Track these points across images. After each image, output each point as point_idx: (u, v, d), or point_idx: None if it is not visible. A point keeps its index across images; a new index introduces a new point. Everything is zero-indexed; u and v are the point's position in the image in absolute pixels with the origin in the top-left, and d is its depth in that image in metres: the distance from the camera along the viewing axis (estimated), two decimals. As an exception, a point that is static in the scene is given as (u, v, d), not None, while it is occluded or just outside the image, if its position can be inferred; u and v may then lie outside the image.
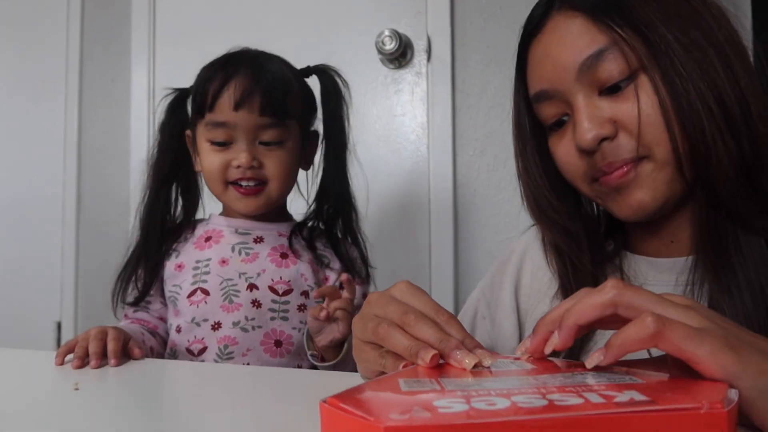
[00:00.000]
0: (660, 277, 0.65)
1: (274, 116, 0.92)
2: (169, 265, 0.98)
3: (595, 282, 0.65)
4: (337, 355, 0.87)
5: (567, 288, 0.68)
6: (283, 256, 0.96)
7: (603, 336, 0.63)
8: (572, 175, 0.65)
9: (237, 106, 0.90)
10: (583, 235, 0.68)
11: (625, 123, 0.59)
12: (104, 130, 1.86)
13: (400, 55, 1.59)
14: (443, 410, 0.30)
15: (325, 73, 1.02)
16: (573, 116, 0.62)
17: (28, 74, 1.91)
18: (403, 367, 0.46)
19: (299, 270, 0.96)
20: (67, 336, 1.83)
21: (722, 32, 0.59)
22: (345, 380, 0.62)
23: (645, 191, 0.60)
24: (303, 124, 0.99)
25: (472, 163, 1.55)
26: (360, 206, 1.06)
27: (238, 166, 0.92)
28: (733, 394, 0.34)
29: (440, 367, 0.44)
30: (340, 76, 1.02)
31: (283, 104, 0.92)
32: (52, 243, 1.84)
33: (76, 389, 0.57)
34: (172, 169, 1.01)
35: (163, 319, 1.00)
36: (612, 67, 0.59)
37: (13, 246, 1.89)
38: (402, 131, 1.62)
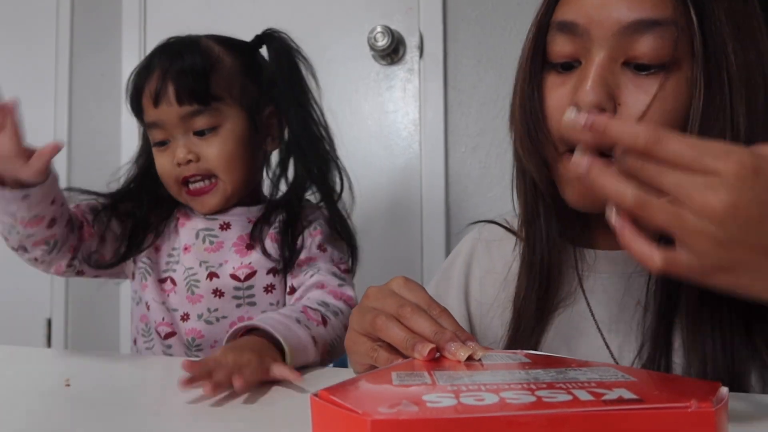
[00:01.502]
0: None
1: (194, 102, 0.85)
2: (149, 239, 0.92)
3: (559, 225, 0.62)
4: None
5: (531, 223, 0.64)
6: (249, 247, 0.90)
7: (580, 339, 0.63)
8: (553, 130, 0.57)
9: (156, 103, 0.86)
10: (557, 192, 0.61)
11: (626, 108, 0.53)
12: (94, 126, 1.85)
13: (392, 52, 1.58)
14: (431, 405, 0.31)
15: (271, 37, 0.94)
16: (584, 69, 0.54)
17: (18, 70, 1.89)
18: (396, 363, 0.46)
19: (263, 247, 0.89)
20: (57, 332, 1.82)
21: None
22: (337, 375, 0.62)
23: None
24: (246, 104, 0.90)
25: (464, 159, 1.56)
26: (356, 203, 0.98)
27: (178, 164, 0.87)
28: (723, 392, 0.34)
29: (434, 360, 0.45)
30: (288, 37, 0.94)
31: (201, 87, 0.85)
32: (42, 239, 1.82)
33: (67, 385, 0.57)
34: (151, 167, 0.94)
35: (78, 221, 0.89)
36: (656, 46, 0.52)
37: (3, 242, 1.88)
38: (394, 128, 1.62)
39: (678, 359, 0.57)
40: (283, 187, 0.94)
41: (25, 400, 0.54)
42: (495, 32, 1.51)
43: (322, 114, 0.95)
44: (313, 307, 0.80)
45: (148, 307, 0.92)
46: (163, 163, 0.89)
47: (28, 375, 0.64)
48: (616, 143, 0.41)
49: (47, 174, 0.76)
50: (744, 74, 0.51)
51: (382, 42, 1.53)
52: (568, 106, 0.53)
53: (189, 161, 0.86)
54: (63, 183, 1.98)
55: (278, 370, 0.59)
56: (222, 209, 0.91)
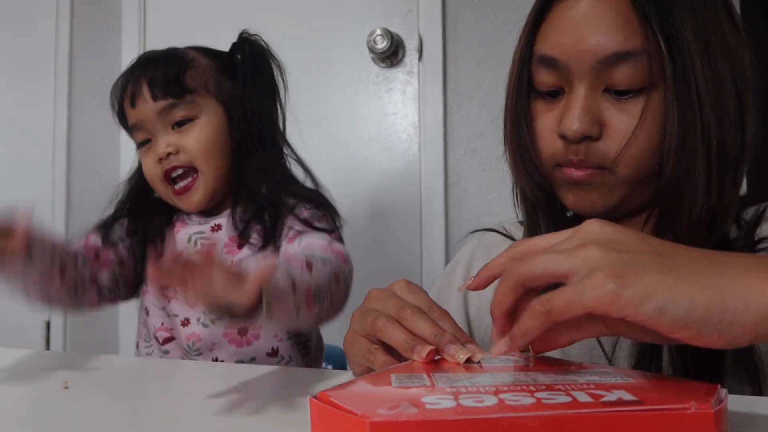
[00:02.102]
0: None
1: (168, 96, 0.87)
2: (152, 246, 0.93)
3: None
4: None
5: (533, 230, 0.67)
6: (240, 246, 0.90)
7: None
8: (542, 150, 0.62)
9: (132, 103, 0.88)
10: (556, 198, 0.65)
11: (612, 132, 0.57)
12: (94, 128, 1.85)
13: (392, 54, 1.59)
14: (431, 406, 0.31)
15: (245, 40, 0.96)
16: (568, 99, 0.59)
17: (17, 73, 1.89)
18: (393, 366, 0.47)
19: (250, 243, 0.89)
20: (56, 335, 1.81)
21: (745, 69, 0.57)
22: (337, 377, 0.62)
23: (600, 196, 0.59)
24: (222, 98, 0.91)
25: (464, 161, 1.56)
26: (342, 204, 0.96)
27: (160, 160, 0.88)
28: (723, 393, 0.34)
29: (433, 362, 0.45)
30: (261, 39, 0.96)
31: (175, 80, 0.87)
32: (41, 241, 1.82)
33: (66, 388, 0.57)
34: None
35: (91, 253, 0.90)
36: (632, 74, 0.56)
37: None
38: (393, 130, 1.62)
39: (668, 355, 0.58)
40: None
41: (24, 402, 0.54)
42: (494, 35, 1.52)
43: (283, 116, 0.97)
44: (297, 256, 0.75)
45: (147, 313, 0.93)
46: (147, 163, 0.90)
47: (26, 377, 0.64)
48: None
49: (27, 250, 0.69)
50: (714, 88, 0.55)
51: (382, 44, 1.53)
52: (555, 130, 0.59)
53: (169, 154, 0.87)
54: (63, 186, 1.96)
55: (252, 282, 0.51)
56: (209, 206, 0.91)
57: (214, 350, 0.89)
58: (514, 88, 0.64)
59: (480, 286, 0.47)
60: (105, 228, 0.92)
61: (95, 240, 0.91)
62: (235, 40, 0.97)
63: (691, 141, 0.55)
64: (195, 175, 0.89)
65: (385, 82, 1.63)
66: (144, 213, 0.94)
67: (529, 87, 0.63)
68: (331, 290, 0.75)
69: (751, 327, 0.36)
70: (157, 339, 0.91)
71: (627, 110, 0.57)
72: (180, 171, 0.88)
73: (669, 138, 0.55)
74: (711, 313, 0.35)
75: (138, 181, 0.96)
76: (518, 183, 0.66)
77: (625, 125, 0.57)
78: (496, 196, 1.52)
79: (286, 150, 0.96)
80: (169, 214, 0.95)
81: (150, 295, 0.92)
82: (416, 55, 1.59)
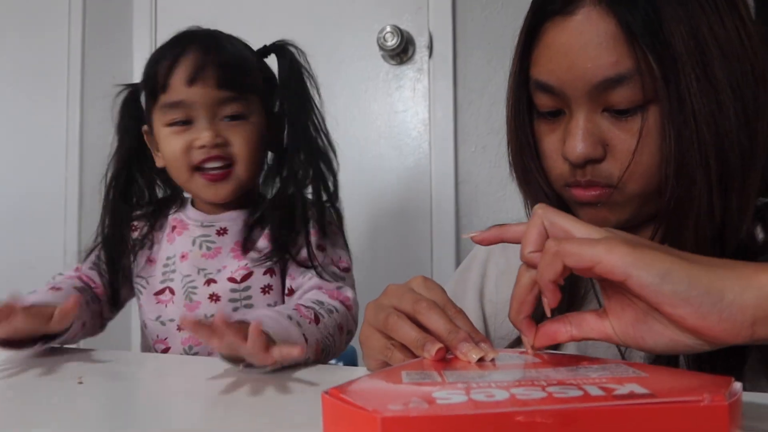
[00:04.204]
0: None
1: (232, 89, 0.86)
2: (142, 255, 0.93)
3: None
4: None
5: None
6: (246, 250, 0.89)
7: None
8: (550, 171, 0.62)
9: (191, 81, 0.84)
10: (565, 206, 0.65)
11: (615, 151, 0.57)
12: (106, 127, 1.86)
13: (402, 51, 1.58)
14: (442, 402, 0.31)
15: (283, 48, 0.95)
16: (569, 123, 0.59)
17: (30, 72, 1.91)
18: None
19: (257, 249, 0.89)
20: (70, 333, 1.83)
21: (755, 65, 0.54)
22: (348, 373, 0.62)
23: (612, 213, 0.59)
24: (265, 103, 0.92)
25: (474, 159, 1.55)
26: (353, 202, 0.98)
27: (202, 146, 0.85)
28: (737, 387, 0.33)
29: (445, 360, 0.45)
30: (299, 49, 0.95)
31: (241, 77, 0.88)
32: (54, 239, 1.84)
33: (80, 383, 0.57)
34: (132, 168, 0.96)
35: (87, 287, 0.93)
36: (627, 95, 0.55)
37: (16, 244, 1.90)
38: (403, 128, 1.62)
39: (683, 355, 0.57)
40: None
41: (39, 398, 0.55)
42: (505, 31, 1.51)
43: (324, 121, 0.96)
44: (307, 305, 0.78)
45: (145, 325, 0.93)
46: (177, 145, 0.86)
47: (41, 372, 0.64)
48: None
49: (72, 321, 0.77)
50: (711, 99, 0.53)
51: (392, 42, 1.53)
52: (560, 150, 0.59)
53: (216, 144, 0.85)
54: (75, 185, 1.97)
55: (278, 350, 0.58)
56: (229, 200, 0.90)
57: (214, 353, 0.89)
58: (512, 113, 0.64)
59: (484, 242, 0.48)
60: (89, 253, 0.94)
61: (86, 270, 0.93)
62: (233, 39, 0.96)
63: (689, 162, 0.54)
64: (230, 169, 0.87)
65: (395, 79, 1.63)
66: (120, 244, 0.93)
67: (530, 107, 0.63)
68: (335, 341, 0.79)
69: (751, 309, 0.37)
70: (156, 351, 0.92)
71: (628, 129, 0.56)
72: (218, 163, 0.86)
73: (666, 161, 0.55)
74: (712, 291, 0.37)
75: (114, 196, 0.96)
76: (529, 201, 0.67)
77: (628, 144, 0.56)
78: (507, 193, 1.52)
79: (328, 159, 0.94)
80: (153, 218, 0.95)
81: (145, 308, 0.92)
82: (426, 53, 1.58)
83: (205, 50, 0.86)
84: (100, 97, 1.87)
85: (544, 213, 0.45)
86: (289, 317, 0.73)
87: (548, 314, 0.44)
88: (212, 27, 0.97)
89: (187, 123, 0.86)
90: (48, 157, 1.86)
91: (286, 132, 0.94)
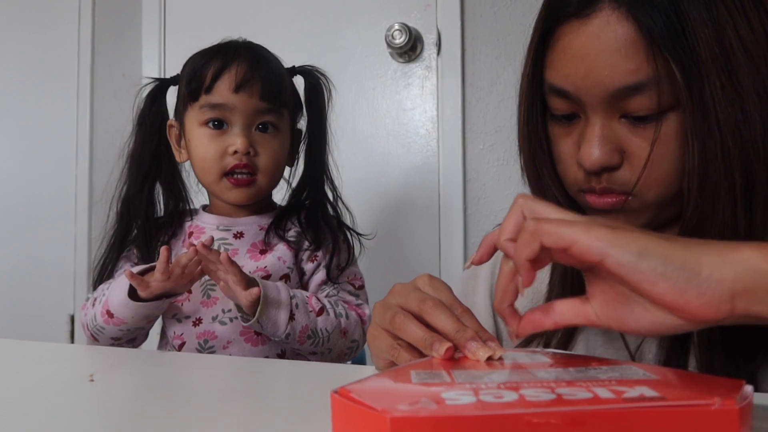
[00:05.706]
0: None
1: (272, 101, 0.92)
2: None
3: None
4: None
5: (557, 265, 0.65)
6: (262, 252, 0.95)
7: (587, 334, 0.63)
8: (564, 176, 0.61)
9: (238, 88, 0.90)
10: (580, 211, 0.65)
11: (632, 158, 0.55)
12: (115, 124, 1.87)
13: (410, 49, 1.58)
14: (451, 402, 0.31)
15: (311, 73, 1.02)
16: (584, 128, 0.56)
17: (40, 70, 1.92)
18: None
19: (276, 254, 0.94)
20: (80, 329, 1.84)
21: None
22: (357, 373, 0.62)
23: (627, 219, 0.58)
24: (292, 118, 0.99)
25: (482, 157, 1.55)
26: (361, 200, 1.04)
27: (235, 152, 0.90)
28: (748, 390, 0.33)
29: (453, 359, 0.45)
30: (326, 76, 1.02)
31: (281, 91, 0.94)
32: (64, 237, 1.85)
33: (92, 380, 0.58)
34: (154, 162, 0.98)
35: None
36: (646, 102, 0.52)
37: (27, 240, 1.91)
38: (412, 125, 1.62)
39: (695, 356, 0.56)
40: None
41: (50, 396, 0.55)
42: (513, 29, 1.51)
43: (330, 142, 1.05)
44: (322, 301, 0.87)
45: (164, 322, 0.96)
46: (211, 149, 0.92)
47: (52, 370, 0.65)
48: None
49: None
50: (737, 109, 0.50)
51: (400, 39, 1.53)
52: (575, 155, 0.57)
53: (247, 152, 0.91)
54: (85, 181, 1.99)
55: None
56: (248, 203, 0.96)
57: (228, 348, 0.92)
58: (525, 117, 0.62)
59: (484, 258, 0.49)
60: (108, 268, 0.98)
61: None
62: (234, 38, 0.99)
63: (713, 174, 0.51)
64: (254, 177, 0.93)
65: (404, 77, 1.62)
66: (147, 250, 0.97)
67: (543, 109, 0.60)
68: (331, 339, 0.89)
69: (729, 282, 0.36)
70: (174, 347, 0.95)
71: (647, 136, 0.54)
72: (245, 170, 0.92)
73: (689, 175, 0.52)
74: (688, 265, 0.37)
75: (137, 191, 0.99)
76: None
77: (645, 152, 0.54)
78: (515, 190, 1.51)
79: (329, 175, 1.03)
80: (168, 227, 0.99)
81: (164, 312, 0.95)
82: (434, 50, 1.58)
83: (253, 62, 0.92)
84: (110, 93, 1.88)
85: (524, 202, 0.46)
86: (292, 296, 0.85)
87: (521, 293, 0.45)
88: (220, 28, 1.02)
89: (221, 125, 0.92)
90: (58, 153, 1.88)
91: (303, 147, 1.02)
